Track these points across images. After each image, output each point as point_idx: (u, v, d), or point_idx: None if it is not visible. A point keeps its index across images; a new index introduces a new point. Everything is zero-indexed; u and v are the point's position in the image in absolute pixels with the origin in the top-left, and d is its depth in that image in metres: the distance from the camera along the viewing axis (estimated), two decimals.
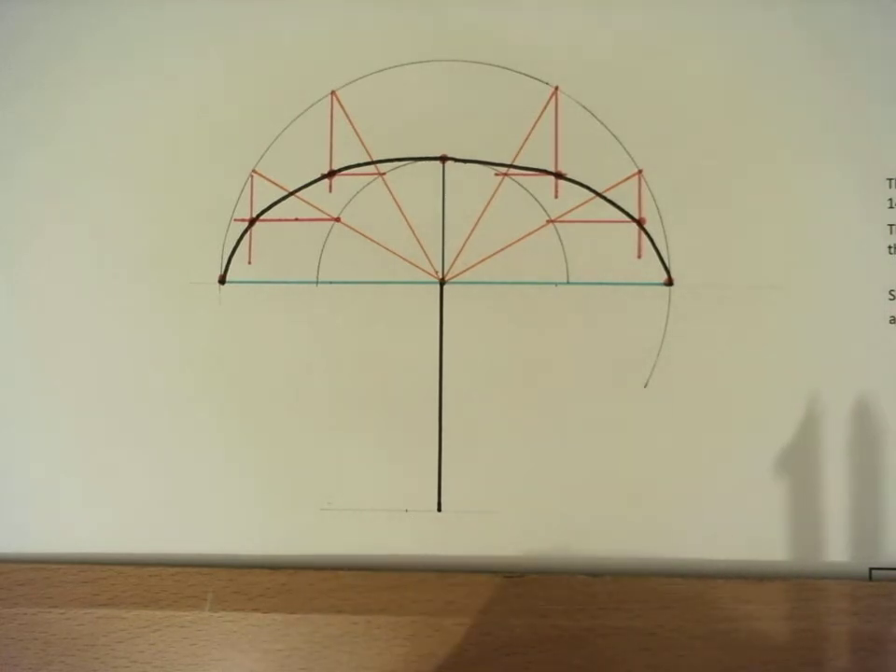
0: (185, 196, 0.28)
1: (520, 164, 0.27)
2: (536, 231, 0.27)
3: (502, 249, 0.27)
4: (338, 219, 0.28)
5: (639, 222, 0.27)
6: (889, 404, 0.26)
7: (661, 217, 0.27)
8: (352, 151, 0.28)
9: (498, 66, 0.28)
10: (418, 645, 0.25)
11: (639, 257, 0.27)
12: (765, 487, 0.26)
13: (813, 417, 0.26)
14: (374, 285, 0.27)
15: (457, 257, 0.27)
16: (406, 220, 0.27)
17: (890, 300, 0.27)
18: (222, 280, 0.27)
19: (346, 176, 0.28)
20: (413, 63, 0.28)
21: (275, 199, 0.28)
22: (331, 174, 0.28)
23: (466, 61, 0.28)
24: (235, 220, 0.28)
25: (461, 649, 0.25)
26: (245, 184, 0.28)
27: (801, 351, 0.26)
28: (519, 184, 0.27)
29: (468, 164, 0.28)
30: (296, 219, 0.28)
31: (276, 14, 0.28)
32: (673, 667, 0.25)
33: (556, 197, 0.27)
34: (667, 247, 0.27)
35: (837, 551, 0.26)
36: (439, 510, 0.26)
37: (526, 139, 0.27)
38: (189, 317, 0.27)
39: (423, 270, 0.27)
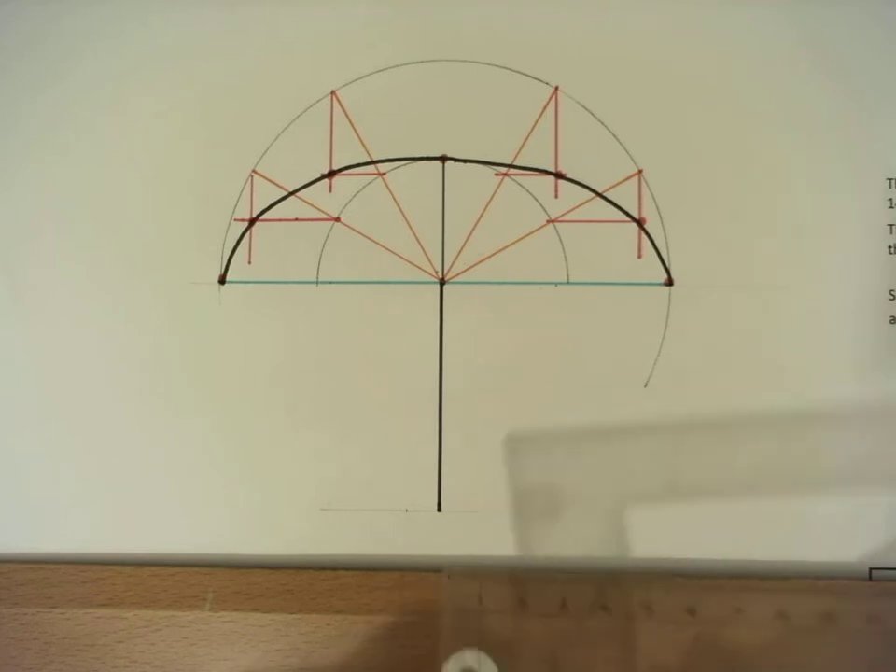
0: (185, 196, 0.28)
1: (520, 164, 0.27)
2: (536, 230, 0.27)
3: (502, 249, 0.27)
4: (338, 219, 0.28)
5: (639, 222, 0.27)
6: (889, 404, 0.26)
7: (661, 217, 0.27)
8: (352, 151, 0.28)
9: (498, 66, 0.28)
10: (418, 645, 0.25)
11: (639, 257, 0.27)
12: (766, 487, 0.26)
13: (813, 417, 0.26)
14: (374, 285, 0.27)
15: (457, 257, 0.27)
16: (406, 220, 0.27)
17: (890, 300, 0.27)
18: (222, 280, 0.27)
19: (346, 176, 0.28)
20: (413, 62, 0.28)
21: (275, 199, 0.28)
22: (331, 174, 0.28)
23: (466, 61, 0.28)
24: (235, 220, 0.28)
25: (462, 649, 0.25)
26: (245, 184, 0.28)
27: (801, 351, 0.26)
28: (519, 184, 0.27)
29: (468, 164, 0.28)
30: (296, 219, 0.28)
31: (276, 14, 0.28)
32: (672, 667, 0.25)
33: (556, 197, 0.27)
34: (667, 247, 0.27)
35: (837, 551, 0.26)
36: (439, 510, 0.26)
37: (526, 139, 0.28)
38: (189, 317, 0.27)
39: (423, 270, 0.27)
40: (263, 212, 0.28)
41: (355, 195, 0.28)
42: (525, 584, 0.22)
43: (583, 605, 0.22)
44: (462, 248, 0.27)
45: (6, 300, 0.28)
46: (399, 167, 0.28)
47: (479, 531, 0.26)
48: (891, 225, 0.27)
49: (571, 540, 0.24)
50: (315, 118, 0.28)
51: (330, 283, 0.27)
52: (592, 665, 0.22)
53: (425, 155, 0.28)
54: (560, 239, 0.27)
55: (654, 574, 0.25)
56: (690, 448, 0.26)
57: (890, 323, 0.27)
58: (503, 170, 0.27)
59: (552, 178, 0.27)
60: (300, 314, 0.27)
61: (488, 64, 0.28)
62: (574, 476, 0.24)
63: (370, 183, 0.28)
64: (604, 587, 0.23)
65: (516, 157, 0.27)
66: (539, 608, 0.22)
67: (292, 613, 0.25)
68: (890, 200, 0.27)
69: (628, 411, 0.26)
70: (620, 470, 0.26)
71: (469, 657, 0.22)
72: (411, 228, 0.27)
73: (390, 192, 0.28)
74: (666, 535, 0.26)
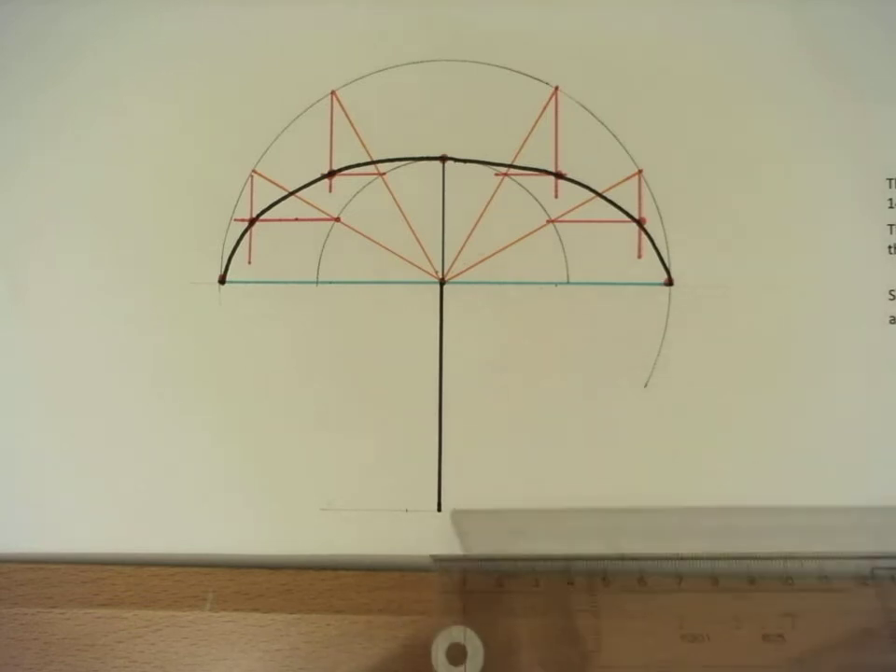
0: (185, 196, 0.28)
1: (520, 164, 0.27)
2: (536, 230, 0.27)
3: (502, 249, 0.27)
4: (338, 219, 0.28)
5: (639, 222, 0.27)
6: (889, 405, 0.26)
7: (661, 217, 0.27)
8: (352, 151, 0.28)
9: (498, 66, 0.28)
10: (418, 645, 0.25)
11: (639, 257, 0.27)
12: (766, 488, 0.26)
13: (813, 417, 0.26)
14: (374, 285, 0.27)
15: (457, 257, 0.27)
16: (406, 220, 0.27)
17: (890, 300, 0.27)
18: (222, 280, 0.27)
19: (346, 176, 0.28)
20: (412, 62, 0.28)
21: (275, 199, 0.28)
22: (331, 174, 0.28)
23: (466, 61, 0.28)
24: (235, 220, 0.28)
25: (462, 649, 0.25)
26: (245, 184, 0.28)
27: (801, 351, 0.26)
28: (519, 184, 0.27)
29: (468, 164, 0.28)
30: (296, 219, 0.28)
31: (276, 14, 0.28)
32: (670, 667, 0.25)
33: (556, 197, 0.27)
34: (667, 247, 0.27)
35: (837, 550, 0.26)
36: (439, 510, 0.26)
37: (526, 139, 0.28)
38: (189, 317, 0.27)
39: (423, 270, 0.27)
40: (263, 212, 0.28)
41: (355, 195, 0.28)
42: (503, 567, 0.25)
43: (553, 581, 0.25)
44: (462, 248, 0.27)
45: (6, 300, 0.28)
46: (398, 167, 0.28)
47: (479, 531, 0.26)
48: (891, 225, 0.27)
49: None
50: (315, 118, 0.28)
51: (330, 283, 0.27)
52: (562, 630, 0.24)
53: (425, 155, 0.28)
54: (560, 239, 0.27)
55: (610, 554, 0.26)
56: (687, 448, 0.26)
57: (890, 323, 0.27)
58: (503, 170, 0.27)
59: (552, 178, 0.27)
60: (300, 314, 0.27)
61: (488, 64, 0.28)
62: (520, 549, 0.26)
63: (370, 183, 0.28)
64: (570, 566, 0.25)
65: (516, 157, 0.27)
66: (515, 586, 0.25)
67: (292, 613, 0.25)
68: (890, 200, 0.27)
69: (628, 411, 0.26)
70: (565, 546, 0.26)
71: (456, 632, 0.24)
72: (411, 228, 0.27)
73: (390, 192, 0.28)
74: (666, 536, 0.26)
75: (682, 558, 0.25)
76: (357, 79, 0.28)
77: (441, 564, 0.25)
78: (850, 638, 0.24)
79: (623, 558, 0.25)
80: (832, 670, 0.24)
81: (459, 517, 0.26)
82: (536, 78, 0.28)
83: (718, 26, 0.28)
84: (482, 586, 0.25)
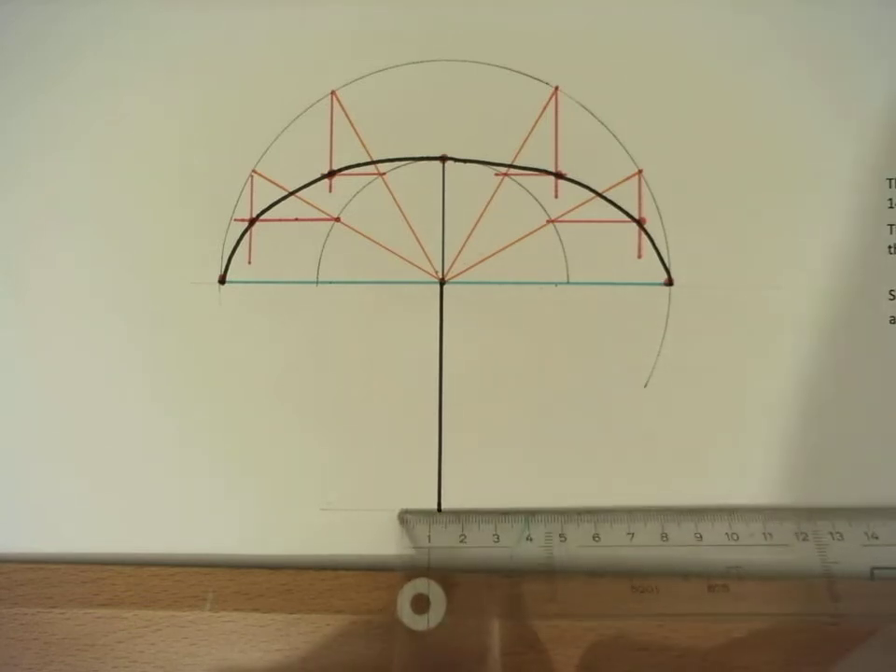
0: (185, 196, 0.28)
1: (520, 164, 0.27)
2: (536, 230, 0.27)
3: (502, 249, 0.27)
4: (338, 219, 0.28)
5: (639, 222, 0.27)
6: (889, 405, 0.26)
7: (661, 217, 0.27)
8: (352, 151, 0.28)
9: (498, 66, 0.28)
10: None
11: (639, 257, 0.27)
12: (766, 487, 0.26)
13: (813, 418, 0.26)
14: (374, 285, 0.27)
15: (457, 257, 0.27)
16: (406, 220, 0.27)
17: (890, 300, 0.27)
18: (222, 280, 0.27)
19: (346, 176, 0.28)
20: (412, 62, 0.28)
21: (275, 199, 0.28)
22: (331, 174, 0.28)
23: (466, 61, 0.28)
24: (235, 220, 0.28)
25: (461, 649, 0.25)
26: (245, 184, 0.28)
27: (801, 351, 0.26)
28: (519, 184, 0.27)
29: (468, 164, 0.28)
30: (296, 219, 0.28)
31: (276, 14, 0.28)
32: (671, 668, 0.25)
33: (556, 197, 0.27)
34: (667, 247, 0.27)
35: (839, 550, 0.26)
36: (439, 510, 0.26)
37: (526, 139, 0.28)
38: (188, 317, 0.27)
39: (423, 270, 0.27)
40: (263, 212, 0.28)
41: (355, 195, 0.28)
42: (465, 524, 0.26)
43: (513, 537, 0.26)
44: (462, 248, 0.27)
45: (6, 300, 0.28)
46: (398, 167, 0.28)
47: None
48: (891, 225, 0.27)
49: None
50: (315, 118, 0.28)
51: (330, 283, 0.27)
52: (520, 582, 0.25)
53: (425, 155, 0.28)
54: (560, 239, 0.27)
55: (568, 510, 0.26)
56: (687, 448, 0.26)
57: (890, 323, 0.27)
58: (503, 170, 0.27)
59: (552, 178, 0.27)
60: (300, 314, 0.27)
61: (488, 64, 0.28)
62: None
63: (370, 183, 0.28)
64: (529, 522, 0.26)
65: (516, 157, 0.27)
66: (477, 542, 0.26)
67: (292, 613, 0.25)
68: (890, 200, 0.27)
69: (628, 411, 0.26)
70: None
71: (420, 584, 0.25)
72: (411, 228, 0.27)
73: (390, 192, 0.28)
74: (666, 535, 0.26)
75: (633, 510, 0.26)
76: (357, 79, 0.28)
77: (408, 520, 0.26)
78: (791, 588, 0.25)
79: (578, 513, 0.26)
80: (773, 617, 0.25)
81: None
82: (536, 78, 0.28)
83: (718, 26, 0.28)
84: (445, 541, 0.26)
